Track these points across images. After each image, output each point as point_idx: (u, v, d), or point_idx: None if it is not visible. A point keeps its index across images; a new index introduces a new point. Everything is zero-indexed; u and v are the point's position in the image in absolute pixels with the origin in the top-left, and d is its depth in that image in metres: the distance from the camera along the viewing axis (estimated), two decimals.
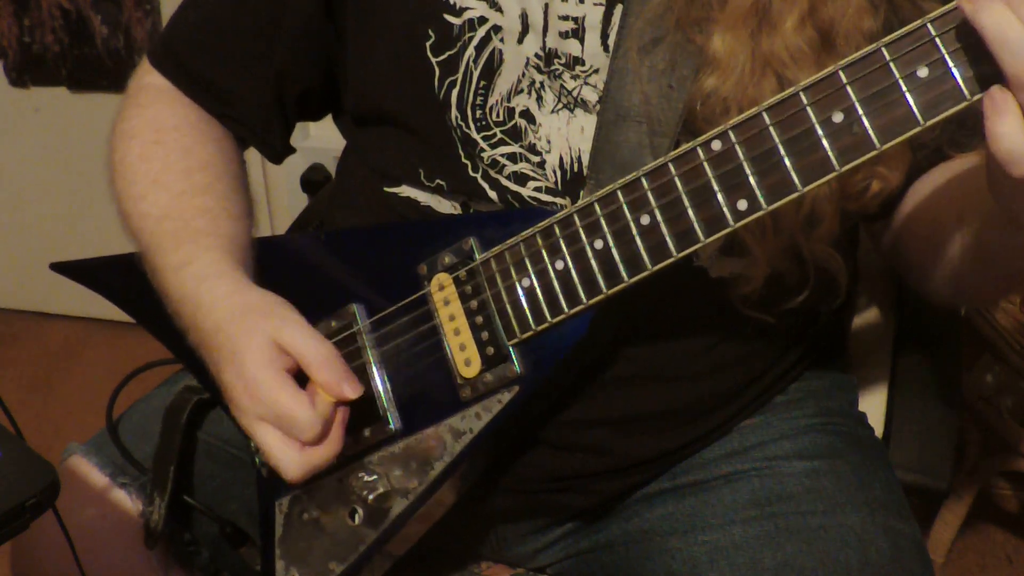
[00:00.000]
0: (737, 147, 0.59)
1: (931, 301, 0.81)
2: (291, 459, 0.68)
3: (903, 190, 0.76)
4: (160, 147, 0.81)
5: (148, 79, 0.86)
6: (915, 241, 0.78)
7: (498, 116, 0.74)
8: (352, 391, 0.69)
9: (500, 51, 0.73)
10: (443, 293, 0.71)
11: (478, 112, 0.74)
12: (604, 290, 0.65)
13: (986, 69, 0.53)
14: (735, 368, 0.81)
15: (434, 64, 0.74)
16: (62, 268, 0.90)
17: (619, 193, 0.63)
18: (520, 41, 0.73)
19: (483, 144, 0.75)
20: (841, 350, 1.00)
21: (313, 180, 1.54)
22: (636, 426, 0.79)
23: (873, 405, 0.94)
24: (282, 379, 0.68)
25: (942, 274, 0.74)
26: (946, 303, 0.85)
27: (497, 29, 0.73)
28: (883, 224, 0.81)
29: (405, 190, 0.80)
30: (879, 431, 0.90)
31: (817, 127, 0.56)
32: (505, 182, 0.75)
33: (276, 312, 0.71)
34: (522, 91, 0.73)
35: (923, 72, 0.54)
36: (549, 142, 0.73)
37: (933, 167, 0.75)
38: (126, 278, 0.85)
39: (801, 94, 0.57)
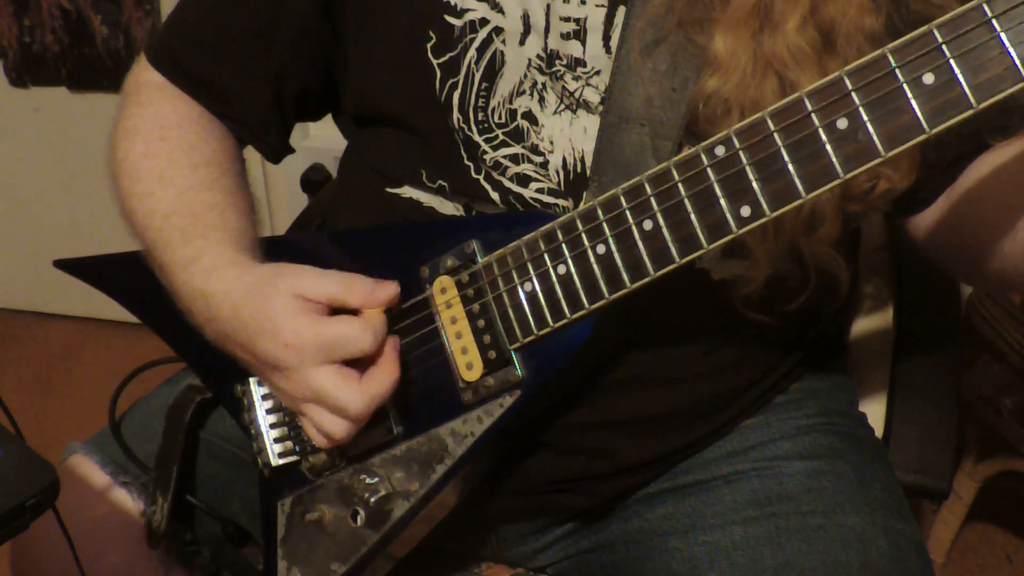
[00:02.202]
0: (740, 152, 0.59)
1: (988, 288, 0.78)
2: (352, 393, 0.67)
3: (944, 183, 0.74)
4: (164, 144, 0.81)
5: (146, 76, 0.86)
6: (977, 227, 0.75)
7: (500, 118, 0.74)
8: (389, 289, 0.69)
9: (501, 53, 0.73)
10: (445, 296, 0.71)
11: (480, 115, 0.74)
12: (607, 295, 0.64)
13: (992, 75, 0.52)
14: (736, 370, 0.81)
15: (435, 66, 0.74)
16: (65, 265, 0.90)
17: (622, 198, 0.63)
18: (522, 42, 0.73)
19: (485, 146, 0.75)
20: (841, 351, 1.00)
21: (313, 180, 1.54)
22: (638, 428, 0.79)
23: (873, 405, 0.94)
24: (317, 317, 0.68)
25: (1003, 263, 0.72)
26: (1007, 290, 0.82)
27: (498, 31, 0.73)
28: (920, 221, 0.79)
29: (407, 191, 0.80)
30: (879, 431, 0.90)
31: (821, 133, 0.56)
32: (507, 183, 0.75)
33: (285, 271, 0.71)
34: (524, 92, 0.73)
35: (929, 78, 0.53)
36: (552, 143, 0.73)
37: (977, 154, 0.73)
38: (129, 275, 0.85)
39: (805, 100, 0.56)
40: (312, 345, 0.67)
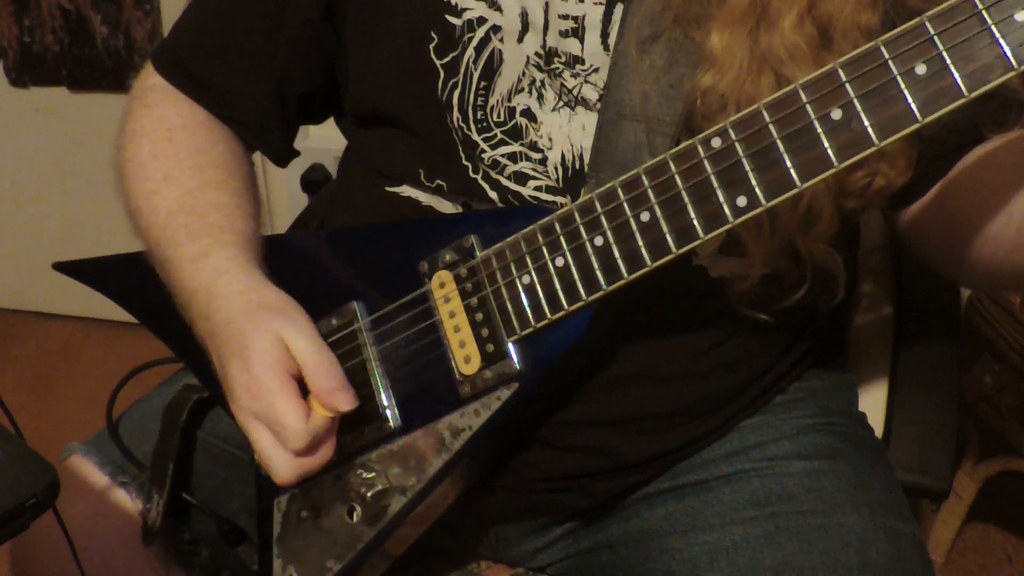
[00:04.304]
0: (736, 144, 0.59)
1: (972, 282, 0.77)
2: (282, 462, 0.68)
3: (937, 176, 0.74)
4: (171, 144, 0.82)
5: (152, 80, 0.86)
6: (968, 215, 0.74)
7: (499, 116, 0.74)
8: (345, 403, 0.69)
9: (500, 51, 0.73)
10: (443, 290, 0.71)
11: (479, 113, 0.74)
12: (604, 287, 0.65)
13: (983, 65, 0.53)
14: (735, 368, 0.81)
15: (438, 66, 0.74)
16: (65, 268, 0.90)
17: (619, 190, 0.63)
18: (520, 40, 0.73)
19: (484, 145, 0.75)
20: (841, 350, 0.99)
21: (313, 180, 1.54)
22: (636, 426, 0.79)
23: (873, 405, 0.94)
24: (283, 382, 0.68)
25: (995, 248, 0.72)
26: (992, 283, 0.82)
27: (496, 29, 0.73)
28: (908, 210, 0.78)
29: (406, 190, 0.80)
30: (879, 431, 0.90)
31: (816, 124, 0.57)
32: (505, 182, 0.75)
33: (287, 313, 0.71)
34: (523, 90, 0.73)
35: (921, 69, 0.54)
36: (551, 139, 0.73)
37: (973, 147, 0.72)
38: (129, 277, 0.86)
39: (800, 91, 0.57)
40: (261, 404, 0.68)
